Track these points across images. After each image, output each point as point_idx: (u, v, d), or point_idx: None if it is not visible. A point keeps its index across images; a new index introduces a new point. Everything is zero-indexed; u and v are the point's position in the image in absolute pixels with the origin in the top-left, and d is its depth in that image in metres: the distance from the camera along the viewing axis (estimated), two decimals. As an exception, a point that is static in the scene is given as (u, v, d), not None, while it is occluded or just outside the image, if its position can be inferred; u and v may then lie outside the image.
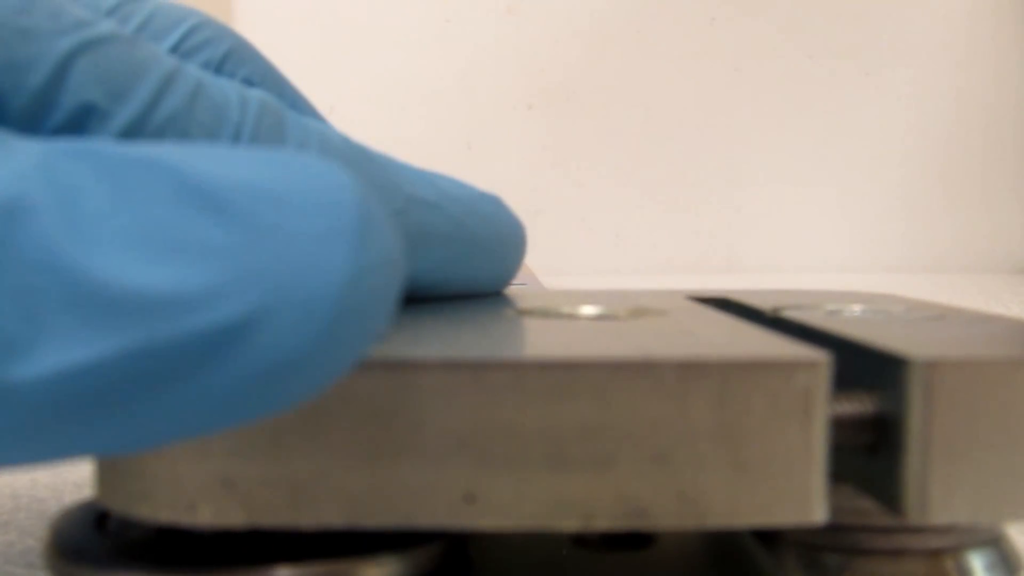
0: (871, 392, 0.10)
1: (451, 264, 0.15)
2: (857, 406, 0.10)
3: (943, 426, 0.10)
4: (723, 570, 0.12)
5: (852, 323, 0.13)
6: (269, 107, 0.12)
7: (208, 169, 0.08)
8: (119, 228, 0.07)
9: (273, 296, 0.07)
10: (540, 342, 0.11)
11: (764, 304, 0.15)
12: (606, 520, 0.09)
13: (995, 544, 0.13)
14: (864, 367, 0.11)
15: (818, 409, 0.09)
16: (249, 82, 0.16)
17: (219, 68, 0.16)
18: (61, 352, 0.07)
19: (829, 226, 0.81)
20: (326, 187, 0.08)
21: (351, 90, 0.78)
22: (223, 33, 0.16)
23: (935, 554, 0.12)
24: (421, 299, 0.11)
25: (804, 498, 0.09)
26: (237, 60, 0.16)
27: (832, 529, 0.12)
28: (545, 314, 0.13)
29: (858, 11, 0.80)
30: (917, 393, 0.10)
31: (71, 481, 0.20)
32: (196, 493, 0.09)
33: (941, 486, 0.10)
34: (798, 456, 0.09)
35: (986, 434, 0.10)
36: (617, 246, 0.79)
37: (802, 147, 0.80)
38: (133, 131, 0.11)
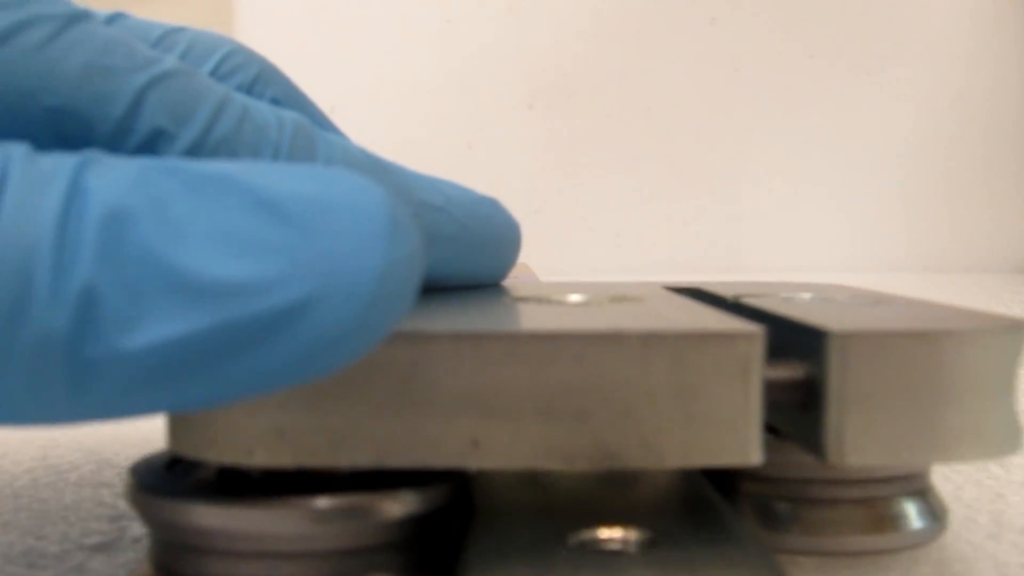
0: (803, 360, 0.13)
1: (455, 260, 0.17)
2: (790, 371, 0.13)
3: (856, 386, 0.12)
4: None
5: (795, 306, 0.15)
6: (301, 127, 0.14)
7: (269, 183, 0.10)
8: (202, 230, 0.09)
9: (324, 284, 0.09)
10: (531, 320, 0.13)
11: (728, 292, 0.18)
12: (584, 462, 0.11)
13: (923, 494, 0.15)
14: (798, 340, 0.13)
15: (754, 372, 0.11)
16: (276, 101, 0.18)
17: (250, 89, 0.18)
18: (160, 327, 0.09)
19: (829, 226, 0.81)
20: (362, 197, 0.10)
21: (352, 90, 0.78)
22: (252, 58, 0.18)
23: (870, 502, 0.15)
24: (431, 289, 0.13)
25: (744, 444, 0.11)
26: (265, 82, 0.18)
27: (782, 483, 0.15)
28: (537, 300, 0.15)
29: (859, 11, 0.80)
30: (835, 359, 0.12)
31: (71, 481, 0.20)
32: (253, 440, 0.11)
33: (855, 435, 0.12)
34: (738, 410, 0.11)
35: (891, 393, 0.12)
36: (618, 246, 0.79)
37: (803, 147, 0.80)
38: (193, 151, 0.13)
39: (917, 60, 0.81)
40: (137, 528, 0.17)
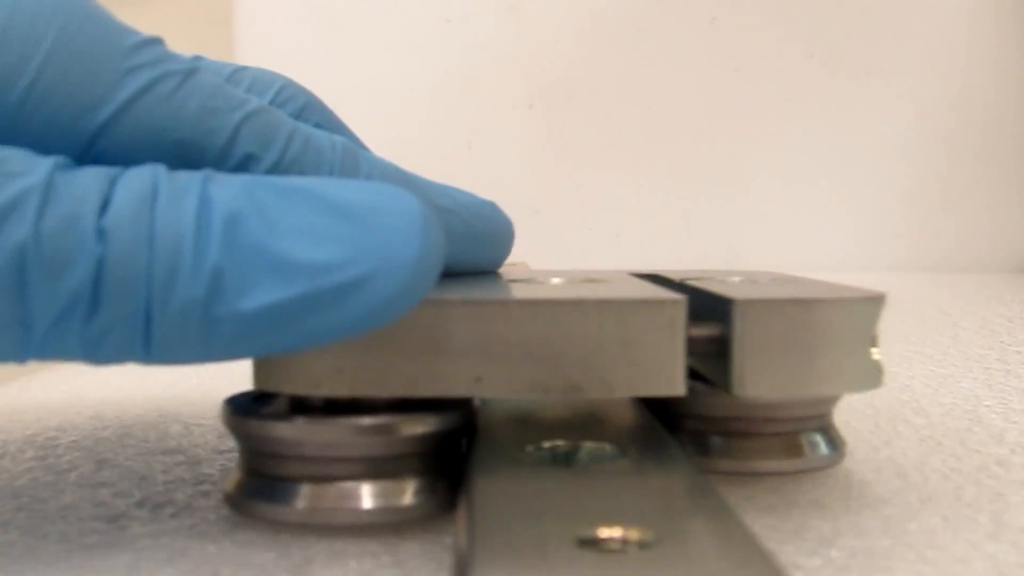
0: (718, 322, 0.17)
1: (463, 253, 0.21)
2: (709, 329, 0.17)
3: (752, 339, 0.16)
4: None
5: (719, 284, 0.19)
6: (348, 148, 0.19)
7: (336, 192, 0.14)
8: (291, 227, 0.14)
9: (378, 266, 0.13)
10: (519, 293, 0.17)
11: (677, 276, 0.22)
12: (557, 393, 0.16)
13: (827, 430, 0.20)
14: (715, 307, 0.17)
15: (679, 328, 0.16)
16: (319, 125, 0.23)
17: (299, 116, 0.23)
18: (264, 295, 0.13)
19: (830, 225, 0.81)
20: (403, 203, 0.14)
21: (352, 89, 0.78)
22: (300, 91, 0.23)
23: (784, 435, 0.19)
24: (443, 274, 0.16)
25: (672, 380, 0.16)
26: (311, 110, 0.23)
27: (716, 421, 0.19)
28: (525, 281, 0.20)
29: (859, 10, 0.80)
30: (737, 320, 0.16)
31: (71, 482, 0.20)
32: (319, 376, 0.16)
33: (752, 375, 0.16)
34: (668, 356, 0.16)
35: (779, 344, 0.16)
36: (618, 246, 0.79)
37: (803, 146, 0.80)
38: (274, 169, 0.17)
39: (917, 59, 0.81)
40: (138, 527, 0.17)
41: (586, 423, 0.19)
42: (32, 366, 0.16)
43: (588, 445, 0.17)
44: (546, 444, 0.17)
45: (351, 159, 0.18)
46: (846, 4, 0.80)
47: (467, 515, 0.14)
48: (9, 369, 0.15)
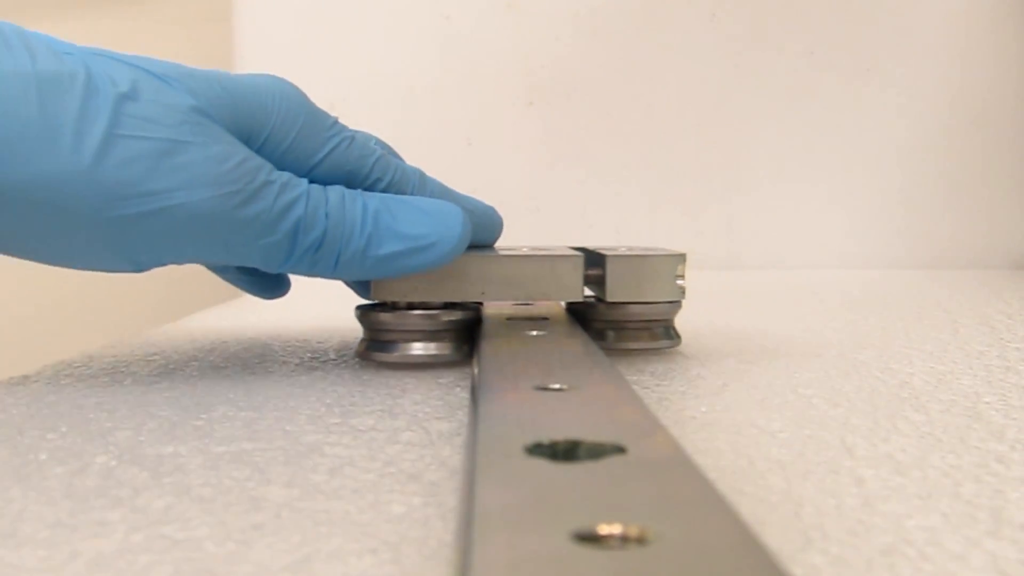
0: (600, 267, 0.33)
1: (476, 234, 0.33)
2: (596, 270, 0.33)
3: (615, 275, 0.32)
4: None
5: (612, 250, 0.34)
6: (420, 173, 0.33)
7: (422, 203, 0.30)
8: (403, 219, 0.30)
9: (440, 239, 0.30)
10: (502, 253, 0.33)
11: (592, 247, 0.36)
12: (522, 298, 0.32)
13: (669, 327, 0.34)
14: (602, 261, 0.33)
15: (579, 269, 0.32)
16: (396, 157, 0.35)
17: (390, 153, 0.35)
18: (389, 248, 0.29)
19: (829, 223, 0.81)
20: (453, 209, 0.31)
21: (351, 87, 0.78)
22: (382, 142, 0.35)
23: (647, 328, 0.33)
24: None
25: (576, 293, 0.32)
26: (390, 151, 0.35)
27: (610, 322, 0.33)
28: (508, 249, 0.34)
29: (858, 8, 0.80)
30: (608, 265, 0.32)
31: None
32: (405, 291, 0.32)
33: (615, 291, 0.32)
34: (575, 282, 0.32)
35: (633, 277, 0.32)
36: (617, 243, 0.79)
37: (802, 144, 0.80)
38: (388, 187, 0.32)
39: (916, 57, 0.81)
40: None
41: (583, 419, 0.19)
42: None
43: (588, 441, 0.17)
44: (546, 440, 0.17)
45: (423, 181, 0.33)
46: (845, 3, 0.80)
47: (467, 513, 0.14)
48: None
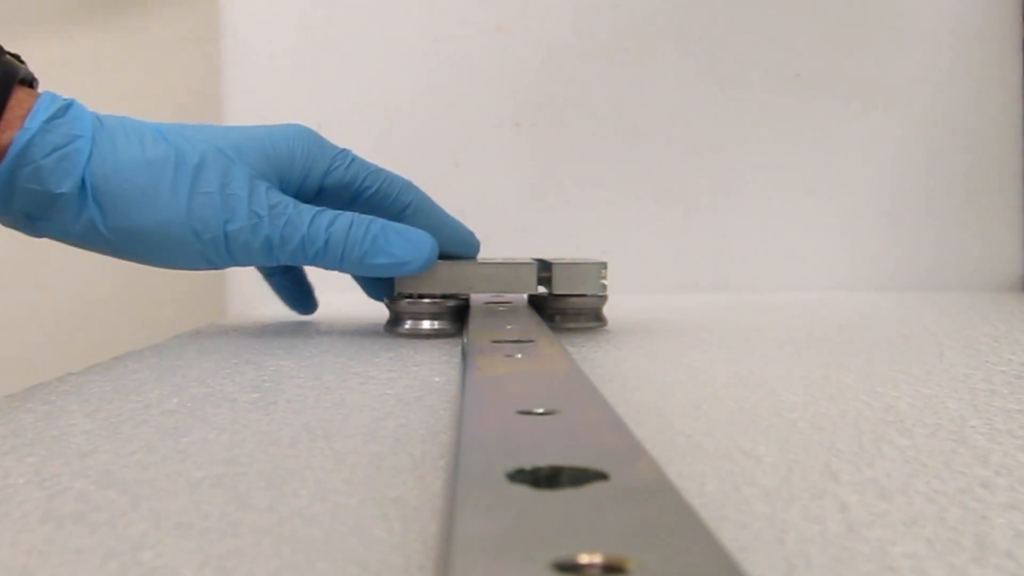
0: (550, 271, 0.49)
1: (460, 249, 0.49)
2: (546, 272, 0.49)
3: (558, 276, 0.49)
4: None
5: (557, 261, 0.49)
6: (408, 184, 0.48)
7: (406, 231, 0.45)
8: (392, 241, 0.45)
9: (416, 258, 0.45)
10: (478, 261, 0.49)
11: (550, 259, 0.49)
12: (493, 292, 0.49)
13: (599, 313, 0.51)
14: (552, 268, 0.49)
15: (533, 273, 0.48)
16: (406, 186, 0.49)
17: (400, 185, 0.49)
18: (382, 260, 0.44)
19: (817, 245, 0.81)
20: (426, 237, 0.46)
21: (340, 107, 0.78)
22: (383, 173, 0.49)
23: (585, 312, 0.50)
24: (444, 257, 0.47)
25: (531, 288, 0.49)
26: (388, 173, 0.48)
27: (558, 308, 0.50)
28: (479, 261, 0.49)
29: (845, 31, 0.81)
30: (553, 271, 0.48)
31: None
32: (415, 286, 0.47)
33: (559, 287, 0.49)
34: (530, 280, 0.49)
35: (571, 279, 0.49)
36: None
37: (789, 165, 0.81)
38: (393, 202, 0.48)
39: (903, 80, 0.81)
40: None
41: (566, 444, 0.19)
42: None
43: (570, 468, 0.17)
44: (528, 467, 0.17)
45: (407, 188, 0.47)
46: (832, 25, 0.81)
47: (446, 540, 0.14)
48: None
